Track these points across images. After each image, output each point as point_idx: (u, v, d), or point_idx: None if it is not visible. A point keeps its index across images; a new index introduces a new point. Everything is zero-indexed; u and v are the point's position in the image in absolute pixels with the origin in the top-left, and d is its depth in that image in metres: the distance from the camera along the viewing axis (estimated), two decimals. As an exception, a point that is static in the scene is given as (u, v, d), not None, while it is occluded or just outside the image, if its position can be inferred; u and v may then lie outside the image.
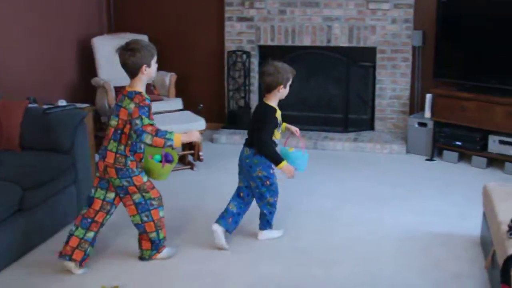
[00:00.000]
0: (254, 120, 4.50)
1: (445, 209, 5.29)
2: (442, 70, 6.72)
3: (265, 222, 4.64)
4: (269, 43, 7.54)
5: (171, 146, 3.89)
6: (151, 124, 3.85)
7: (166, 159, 4.17)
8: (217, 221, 4.47)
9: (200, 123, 6.39)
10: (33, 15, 6.50)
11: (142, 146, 4.02)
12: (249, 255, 4.46)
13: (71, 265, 4.09)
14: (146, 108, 3.87)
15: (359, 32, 7.23)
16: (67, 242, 4.09)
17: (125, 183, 3.99)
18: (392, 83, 7.30)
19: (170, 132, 3.87)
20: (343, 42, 7.30)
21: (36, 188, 4.42)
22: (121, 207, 4.20)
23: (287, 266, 4.29)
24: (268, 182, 4.45)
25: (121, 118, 3.91)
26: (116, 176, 3.96)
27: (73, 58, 7.36)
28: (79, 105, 5.66)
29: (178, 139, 3.88)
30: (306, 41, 7.42)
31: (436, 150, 6.76)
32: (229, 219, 4.49)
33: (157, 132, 3.81)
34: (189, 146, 6.53)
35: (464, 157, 6.60)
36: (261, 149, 4.36)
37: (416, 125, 6.85)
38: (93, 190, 4.11)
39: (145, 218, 4.13)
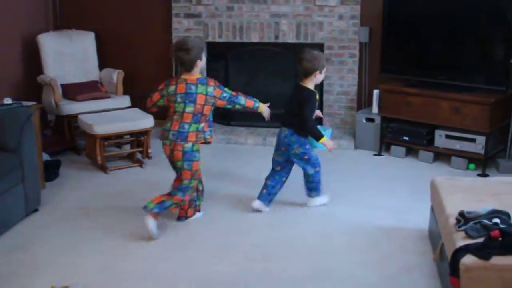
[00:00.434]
0: (294, 101, 5.05)
1: (393, 203, 5.35)
2: (389, 66, 6.80)
3: (312, 190, 5.22)
4: (217, 39, 7.51)
5: (257, 108, 4.98)
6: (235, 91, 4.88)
7: None
8: (258, 198, 5.17)
9: (149, 120, 6.35)
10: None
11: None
12: (196, 252, 4.46)
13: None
14: (221, 84, 4.84)
15: (306, 28, 7.25)
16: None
17: (186, 166, 4.72)
18: (340, 79, 7.34)
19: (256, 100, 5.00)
20: (291, 39, 7.31)
21: (-19, 187, 4.34)
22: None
23: (236, 262, 4.30)
24: (306, 157, 5.07)
25: (199, 104, 4.67)
26: (181, 158, 4.72)
27: (18, 55, 7.23)
28: (25, 103, 5.56)
29: (261, 105, 5.02)
30: (254, 38, 7.41)
31: (384, 145, 6.83)
32: (263, 190, 5.18)
33: (247, 96, 4.94)
34: (137, 143, 6.49)
35: (411, 152, 6.69)
36: (306, 126, 4.96)
37: (364, 121, 6.91)
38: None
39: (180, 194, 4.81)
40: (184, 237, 4.70)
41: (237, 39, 7.47)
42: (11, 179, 4.74)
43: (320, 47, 7.26)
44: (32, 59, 7.23)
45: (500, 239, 3.33)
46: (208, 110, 4.72)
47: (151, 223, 4.62)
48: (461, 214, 3.68)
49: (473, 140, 6.15)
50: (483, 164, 6.14)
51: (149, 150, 6.46)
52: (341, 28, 7.19)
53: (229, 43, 7.55)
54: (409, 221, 4.95)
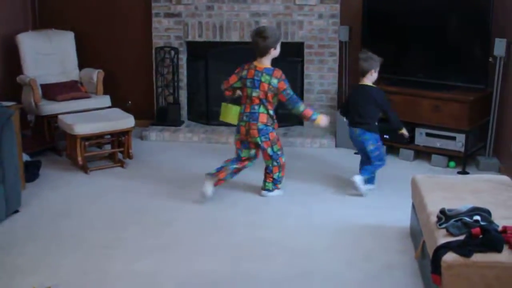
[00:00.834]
0: (361, 101, 5.54)
1: (375, 202, 5.38)
2: (369, 64, 6.80)
3: (369, 173, 5.57)
4: (197, 39, 7.50)
5: (314, 119, 5.28)
6: (297, 95, 5.28)
7: None
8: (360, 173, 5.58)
9: (129, 120, 6.33)
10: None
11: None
12: (180, 252, 4.45)
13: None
14: (287, 80, 5.23)
15: (286, 27, 7.26)
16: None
17: (263, 139, 5.24)
18: (320, 78, 7.36)
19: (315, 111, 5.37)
20: (271, 38, 7.31)
21: (-39, 188, 4.31)
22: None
23: (220, 262, 4.30)
24: (377, 153, 5.54)
25: (262, 90, 5.16)
26: (257, 135, 5.22)
27: (-4, 55, 7.19)
28: (5, 103, 5.52)
29: (319, 117, 5.29)
30: (234, 37, 7.41)
31: (365, 144, 6.84)
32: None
33: (307, 106, 5.39)
34: (118, 144, 6.46)
35: (392, 150, 6.71)
36: (393, 118, 5.61)
37: (345, 120, 6.91)
38: (239, 152, 5.39)
39: (274, 163, 5.39)
40: (166, 237, 4.69)
41: (217, 39, 7.46)
42: (-9, 180, 4.71)
43: (300, 46, 7.29)
44: (11, 59, 7.17)
45: (480, 236, 3.36)
46: (271, 97, 5.20)
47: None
48: (442, 211, 3.70)
49: (453, 138, 6.20)
50: (463, 161, 6.18)
51: (130, 151, 6.42)
52: (321, 27, 7.21)
53: (209, 43, 7.54)
54: (390, 219, 4.98)
